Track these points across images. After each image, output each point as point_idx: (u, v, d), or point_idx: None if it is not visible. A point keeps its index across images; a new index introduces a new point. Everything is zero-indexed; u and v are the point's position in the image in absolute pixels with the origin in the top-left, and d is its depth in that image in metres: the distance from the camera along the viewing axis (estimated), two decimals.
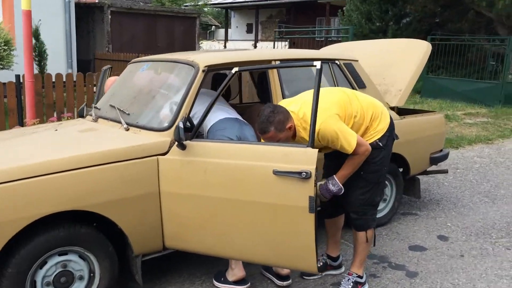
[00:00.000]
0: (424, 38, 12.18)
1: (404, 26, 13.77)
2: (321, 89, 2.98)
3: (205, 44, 22.02)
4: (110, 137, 2.97)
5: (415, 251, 3.71)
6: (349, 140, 2.72)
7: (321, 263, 3.30)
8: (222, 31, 28.02)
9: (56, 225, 2.57)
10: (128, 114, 3.15)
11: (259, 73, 4.00)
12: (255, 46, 21.61)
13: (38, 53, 10.21)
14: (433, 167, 4.84)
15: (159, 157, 2.79)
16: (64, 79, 5.99)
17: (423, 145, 4.26)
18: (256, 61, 3.28)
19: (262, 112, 2.68)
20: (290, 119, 2.70)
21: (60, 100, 5.95)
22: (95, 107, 3.57)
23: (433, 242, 3.88)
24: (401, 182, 4.22)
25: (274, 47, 15.44)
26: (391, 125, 3.03)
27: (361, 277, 3.08)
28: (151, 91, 3.30)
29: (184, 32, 14.60)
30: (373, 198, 3.01)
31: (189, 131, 3.21)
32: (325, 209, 3.22)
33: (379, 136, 2.95)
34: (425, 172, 4.61)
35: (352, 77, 3.77)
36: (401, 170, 4.24)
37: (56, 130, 3.26)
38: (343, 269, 3.33)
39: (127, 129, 3.03)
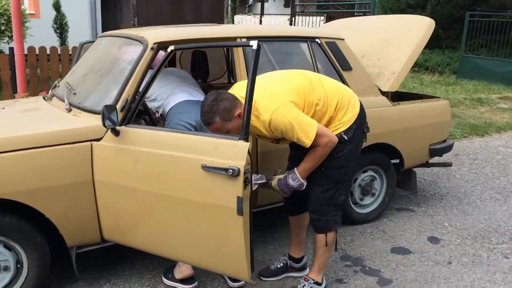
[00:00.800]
0: (464, 14, 11.32)
1: (444, 1, 12.82)
2: (279, 72, 2.67)
3: (239, 19, 21.57)
4: (45, 119, 2.75)
5: (397, 254, 3.33)
6: (306, 131, 2.37)
7: (281, 264, 3.00)
8: (260, 5, 27.34)
9: None
10: (75, 93, 2.92)
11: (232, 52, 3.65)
12: (291, 21, 20.96)
13: (59, 25, 10.18)
14: (437, 159, 4.39)
15: (94, 143, 2.55)
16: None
17: (420, 135, 3.81)
18: (216, 38, 2.94)
19: (204, 101, 2.36)
20: (238, 105, 2.37)
21: (55, 74, 5.83)
22: (56, 85, 3.37)
23: (421, 245, 3.48)
24: (393, 175, 3.81)
25: (292, 24, 14.94)
26: (360, 116, 2.64)
27: (319, 284, 2.75)
28: (100, 69, 3.04)
29: (212, 6, 14.26)
30: (336, 197, 2.65)
31: (143, 115, 2.96)
32: (286, 205, 2.90)
33: (345, 128, 2.58)
34: (426, 165, 4.17)
35: (335, 57, 3.36)
36: (396, 161, 3.82)
37: (3, 108, 3.07)
38: (307, 270, 3.01)
39: (69, 110, 2.80)
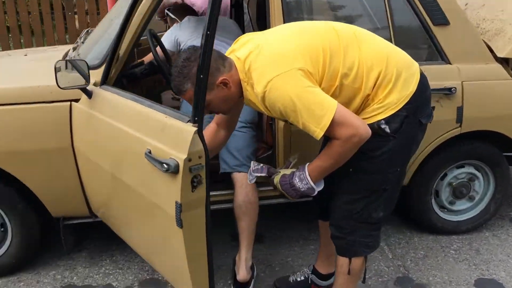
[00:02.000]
0: None
1: None
2: (298, 23, 1.90)
3: None
4: (40, 70, 2.41)
5: None
6: (317, 116, 1.59)
7: (302, 278, 2.32)
8: None
9: None
10: (83, 42, 2.54)
11: None
12: None
13: None
14: None
15: (74, 103, 2.14)
16: None
17: None
18: None
19: (176, 60, 1.74)
20: (224, 69, 1.69)
21: None
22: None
23: None
24: (506, 174, 2.73)
25: None
26: (417, 100, 1.74)
27: None
28: (115, 15, 2.58)
29: None
30: (368, 212, 1.84)
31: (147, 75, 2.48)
32: (314, 205, 2.19)
33: (387, 114, 1.72)
34: None
35: (423, 5, 2.37)
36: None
37: (26, 55, 2.86)
38: None
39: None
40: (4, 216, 2.32)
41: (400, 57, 1.77)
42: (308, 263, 2.52)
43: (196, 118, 1.47)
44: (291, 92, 1.59)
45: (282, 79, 1.60)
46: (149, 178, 1.62)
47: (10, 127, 2.12)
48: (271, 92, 1.61)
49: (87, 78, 1.98)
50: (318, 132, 1.60)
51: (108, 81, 2.05)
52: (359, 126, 1.61)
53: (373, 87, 1.71)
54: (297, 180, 1.78)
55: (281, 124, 2.33)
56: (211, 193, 2.40)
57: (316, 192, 1.79)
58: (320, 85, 1.66)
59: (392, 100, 1.71)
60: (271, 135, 2.49)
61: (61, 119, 2.14)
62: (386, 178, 1.79)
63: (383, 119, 1.72)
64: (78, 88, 1.97)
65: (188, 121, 1.50)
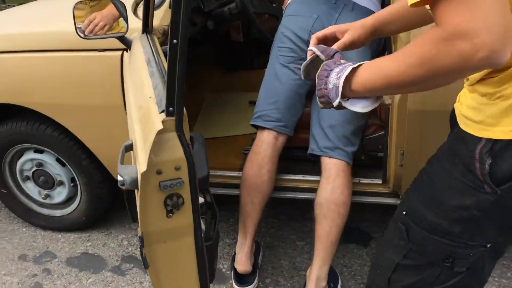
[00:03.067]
0: None
1: None
2: None
3: None
4: None
5: None
6: None
7: None
8: None
9: (20, 119, 2.05)
10: None
11: None
12: None
13: None
14: None
15: (125, 53, 1.74)
16: None
17: None
18: None
19: None
20: None
21: None
22: None
23: None
24: None
25: None
26: None
27: None
28: None
29: None
30: None
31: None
32: None
33: (507, 137, 0.81)
34: None
35: None
36: None
37: None
38: None
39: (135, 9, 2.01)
40: (73, 172, 2.14)
41: None
42: None
43: (170, 109, 0.90)
44: None
45: None
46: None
47: (56, 77, 1.83)
48: None
49: (125, 23, 1.55)
50: None
51: (149, 28, 1.57)
52: (494, 28, 0.63)
53: None
54: (336, 71, 0.90)
55: (397, 96, 1.59)
56: (295, 177, 1.91)
57: (337, 103, 0.90)
58: None
59: None
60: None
61: (111, 71, 1.76)
62: (460, 252, 0.94)
63: (494, 140, 0.84)
64: (108, 37, 1.54)
65: (162, 111, 0.94)
